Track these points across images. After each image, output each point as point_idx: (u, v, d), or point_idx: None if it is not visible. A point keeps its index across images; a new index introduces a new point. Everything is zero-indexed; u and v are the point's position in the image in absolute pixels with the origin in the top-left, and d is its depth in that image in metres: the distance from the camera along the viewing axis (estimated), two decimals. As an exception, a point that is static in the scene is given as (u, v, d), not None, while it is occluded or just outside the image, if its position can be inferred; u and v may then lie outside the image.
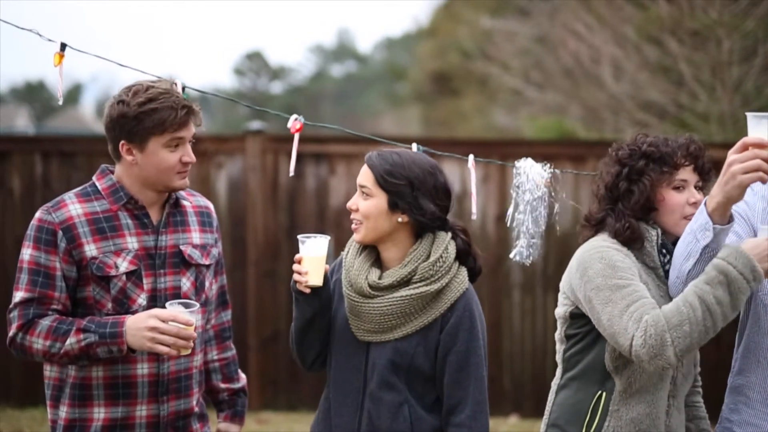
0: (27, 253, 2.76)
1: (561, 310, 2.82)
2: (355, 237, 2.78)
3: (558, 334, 2.85)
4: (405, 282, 2.72)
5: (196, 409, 2.90)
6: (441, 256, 2.72)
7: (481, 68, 15.53)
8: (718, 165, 7.78)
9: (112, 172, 2.84)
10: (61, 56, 2.79)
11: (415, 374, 2.72)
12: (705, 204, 2.55)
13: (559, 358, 2.85)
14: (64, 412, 2.81)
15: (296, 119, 2.90)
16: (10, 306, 2.79)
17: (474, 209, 3.20)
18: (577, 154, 7.29)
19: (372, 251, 2.80)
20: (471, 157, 3.09)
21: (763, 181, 2.47)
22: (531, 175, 3.04)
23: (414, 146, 3.05)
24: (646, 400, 2.71)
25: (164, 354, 2.68)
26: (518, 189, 3.07)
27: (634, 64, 11.01)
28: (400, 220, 2.73)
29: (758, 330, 2.75)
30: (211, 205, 3.02)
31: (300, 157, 7.19)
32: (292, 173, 2.95)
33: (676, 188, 2.74)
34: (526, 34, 14.05)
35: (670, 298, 2.69)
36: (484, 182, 7.02)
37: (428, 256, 2.73)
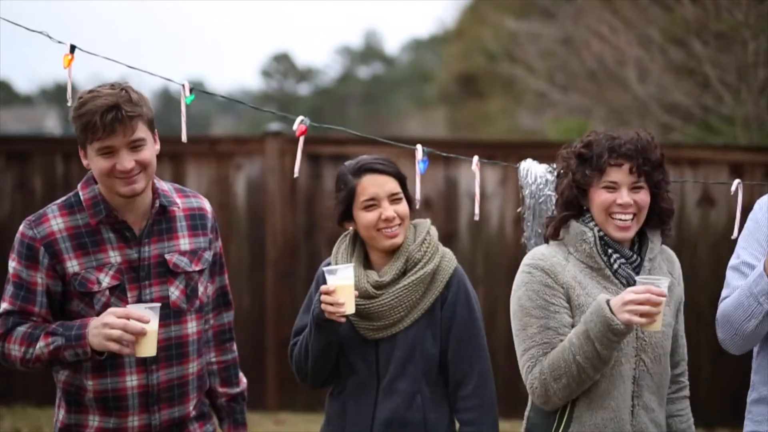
0: (11, 265, 2.76)
1: None
2: (395, 241, 2.84)
3: None
4: (403, 272, 2.83)
5: (194, 413, 2.87)
6: (425, 239, 2.87)
7: (506, 70, 15.48)
8: (741, 167, 7.68)
9: (96, 181, 2.77)
10: (71, 58, 2.79)
11: (428, 361, 2.82)
12: (765, 268, 2.65)
13: None
14: (62, 415, 2.83)
15: (301, 122, 2.90)
16: None
17: (477, 210, 3.21)
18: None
19: (360, 257, 2.89)
20: (475, 158, 3.09)
21: None
22: (534, 175, 3.05)
23: (418, 148, 3.06)
24: (609, 406, 2.72)
25: (116, 351, 2.60)
26: (523, 189, 3.07)
27: (659, 66, 10.92)
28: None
29: None
30: (205, 205, 2.93)
31: (318, 158, 7.29)
32: (296, 174, 2.97)
33: (606, 188, 2.73)
34: (551, 35, 13.99)
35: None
36: (502, 184, 7.00)
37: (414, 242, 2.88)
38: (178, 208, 2.84)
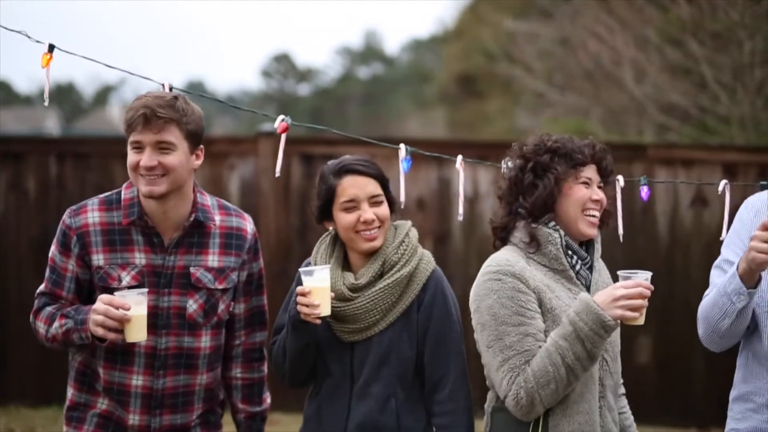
0: (51, 250, 2.88)
1: (476, 336, 2.77)
2: (374, 244, 2.81)
3: (483, 357, 2.79)
4: (380, 275, 2.79)
5: (197, 421, 2.90)
6: (403, 241, 2.83)
7: (505, 70, 15.48)
8: (735, 168, 7.67)
9: None
10: (50, 57, 2.79)
11: (403, 364, 2.78)
12: (737, 267, 2.67)
13: (489, 382, 2.79)
14: (71, 393, 2.91)
15: (282, 119, 2.89)
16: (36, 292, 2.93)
17: (460, 210, 3.20)
18: (590, 156, 7.23)
19: (338, 258, 2.87)
20: (459, 158, 3.09)
21: None
22: None
23: (401, 148, 3.05)
24: (584, 410, 2.71)
25: (102, 336, 2.68)
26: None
27: (656, 66, 10.92)
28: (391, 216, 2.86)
29: (760, 336, 2.77)
30: (246, 227, 2.96)
31: (311, 158, 7.28)
32: (278, 174, 2.95)
33: (583, 183, 2.75)
34: (549, 36, 13.99)
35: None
36: (496, 184, 6.98)
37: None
38: (215, 225, 2.89)
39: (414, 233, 2.87)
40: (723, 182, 3.24)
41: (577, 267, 2.76)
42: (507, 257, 2.71)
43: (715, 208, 6.85)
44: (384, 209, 2.83)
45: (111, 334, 2.66)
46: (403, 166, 3.07)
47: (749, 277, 2.66)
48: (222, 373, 2.97)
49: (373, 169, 2.84)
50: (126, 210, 2.84)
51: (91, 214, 2.83)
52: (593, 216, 2.75)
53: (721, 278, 2.78)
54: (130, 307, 2.64)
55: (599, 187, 2.79)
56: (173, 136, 2.77)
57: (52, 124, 34.01)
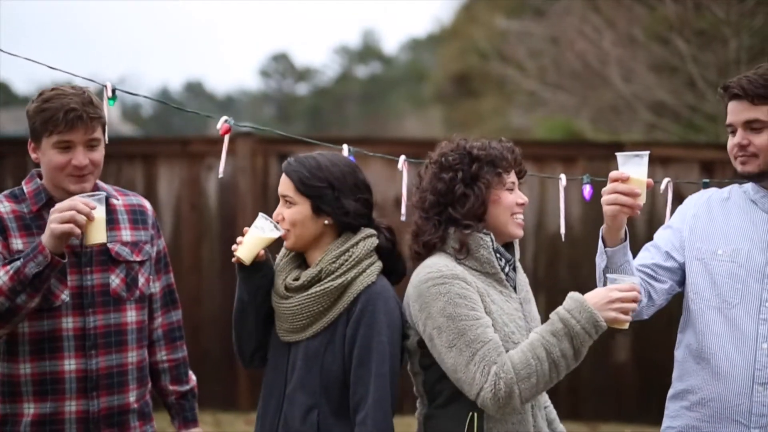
0: None
1: (407, 342, 2.76)
2: (286, 244, 2.80)
3: (411, 367, 2.79)
4: (317, 280, 2.73)
5: (135, 406, 2.94)
6: (347, 251, 2.73)
7: (498, 69, 15.48)
8: (712, 165, 7.66)
9: (41, 176, 2.92)
10: (-15, 60, 2.80)
11: (328, 376, 2.71)
12: (602, 236, 2.72)
13: (418, 390, 2.79)
14: None
15: (225, 121, 2.90)
16: None
17: (403, 210, 3.17)
18: (567, 155, 7.24)
19: (299, 253, 2.83)
20: (402, 158, 3.08)
21: (624, 213, 2.65)
22: None
23: (345, 148, 3.05)
24: (516, 410, 2.68)
25: (67, 232, 2.66)
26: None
27: (643, 64, 10.91)
28: (326, 222, 2.75)
29: (695, 332, 2.80)
30: (146, 204, 3.07)
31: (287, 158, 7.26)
32: (221, 175, 2.95)
33: (509, 189, 2.77)
34: (540, 34, 13.98)
35: (518, 300, 2.75)
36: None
37: None
38: (119, 202, 2.98)
39: (365, 244, 2.75)
40: (666, 180, 3.30)
41: (506, 269, 2.77)
42: (444, 263, 2.69)
43: (693, 206, 6.84)
44: (292, 211, 2.76)
45: (77, 230, 2.65)
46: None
47: (610, 236, 2.71)
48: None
49: (293, 167, 2.78)
50: (33, 199, 2.87)
51: (2, 205, 2.86)
52: (520, 218, 2.80)
53: (643, 256, 2.88)
54: (96, 206, 2.69)
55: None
56: (98, 132, 2.84)
57: (50, 125, 33.97)
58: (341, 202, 2.73)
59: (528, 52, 14.12)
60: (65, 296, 2.83)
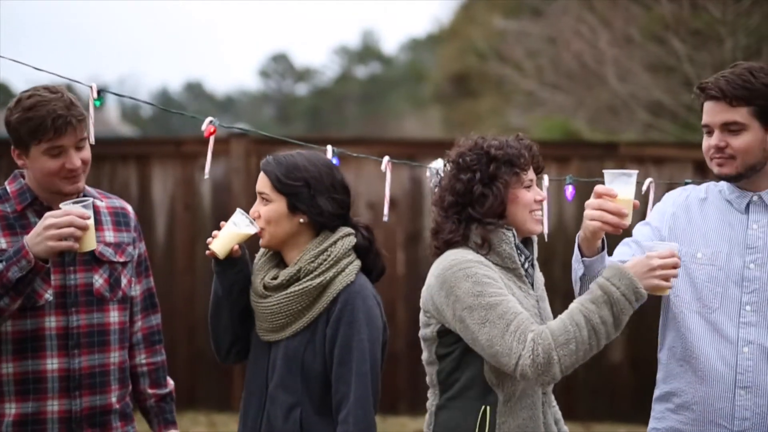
0: None
1: (426, 331, 2.77)
2: (261, 242, 2.81)
3: (427, 357, 2.80)
4: (295, 279, 2.74)
5: (117, 406, 2.94)
6: (326, 250, 2.75)
7: (496, 69, 15.48)
8: (705, 165, 7.75)
9: (24, 177, 2.92)
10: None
11: (309, 375, 2.73)
12: (578, 236, 2.67)
13: (431, 380, 2.79)
14: None
15: (210, 122, 2.90)
16: None
17: (386, 211, 3.18)
18: (561, 154, 7.25)
19: (277, 252, 2.84)
20: (386, 158, 3.08)
21: (606, 231, 2.58)
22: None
23: (328, 149, 3.05)
24: (528, 405, 2.71)
25: (66, 249, 2.68)
26: (434, 189, 3.06)
27: (639, 64, 10.91)
28: (301, 221, 2.76)
29: (677, 335, 2.79)
30: (128, 207, 3.09)
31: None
32: (207, 176, 2.96)
33: (526, 187, 2.78)
34: (538, 34, 13.98)
35: (535, 297, 2.75)
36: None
37: None
38: (102, 203, 3.00)
39: (343, 243, 2.77)
40: (648, 180, 3.30)
41: (525, 265, 2.78)
42: (465, 254, 2.71)
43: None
44: (268, 208, 2.78)
45: (76, 245, 2.67)
46: (328, 166, 3.04)
47: (587, 246, 2.64)
48: None
49: (269, 166, 2.81)
50: (17, 199, 2.87)
51: None
52: (540, 213, 2.81)
53: (622, 251, 2.83)
54: (90, 216, 2.70)
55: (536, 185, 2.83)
56: (85, 131, 2.86)
57: (49, 126, 33.99)
58: (317, 201, 2.75)
59: (526, 52, 14.13)
60: (48, 295, 2.83)
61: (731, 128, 2.72)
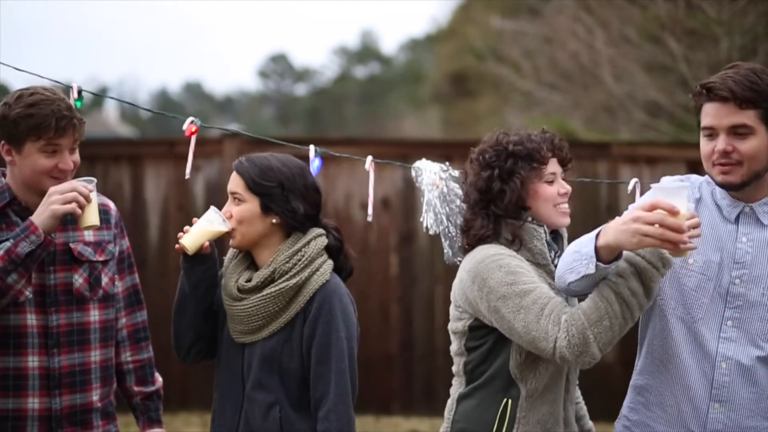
0: None
1: (458, 325, 2.80)
2: (231, 243, 2.82)
3: (456, 348, 2.82)
4: (270, 281, 2.76)
5: (98, 405, 2.95)
6: (300, 250, 2.77)
7: (494, 69, 15.49)
8: (698, 164, 7.71)
9: (5, 175, 2.93)
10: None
11: (287, 374, 2.76)
12: (597, 235, 2.49)
13: (458, 369, 2.82)
14: None
15: (192, 122, 2.90)
16: None
17: (370, 211, 3.18)
18: (554, 155, 7.23)
19: (248, 254, 2.85)
20: (369, 158, 3.08)
21: (663, 248, 2.43)
22: (427, 175, 3.04)
23: (311, 149, 3.05)
24: (549, 400, 2.73)
25: (69, 212, 2.71)
26: (421, 190, 3.07)
27: (635, 64, 10.91)
28: (274, 221, 2.78)
29: (657, 335, 2.75)
30: (110, 204, 3.09)
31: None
32: (188, 176, 2.95)
33: (548, 182, 2.77)
34: (535, 34, 13.99)
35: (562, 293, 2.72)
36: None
37: None
38: None
39: (316, 243, 2.80)
40: (633, 180, 3.28)
41: (555, 261, 2.78)
42: (496, 248, 2.72)
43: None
44: (239, 208, 2.80)
45: (79, 210, 2.73)
46: (312, 167, 3.06)
47: (607, 252, 2.49)
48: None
49: (243, 167, 2.83)
50: None
51: None
52: (564, 207, 2.80)
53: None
54: (93, 189, 2.76)
55: (562, 178, 2.81)
56: (79, 134, 2.89)
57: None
58: (290, 202, 2.77)
59: (523, 52, 14.13)
60: (29, 293, 2.85)
61: (739, 131, 2.57)
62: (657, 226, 2.38)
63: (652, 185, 2.55)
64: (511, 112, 17.01)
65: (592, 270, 2.48)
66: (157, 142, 7.65)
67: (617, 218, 2.50)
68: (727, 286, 2.64)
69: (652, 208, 2.40)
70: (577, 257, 2.54)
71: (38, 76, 3.03)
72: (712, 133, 2.59)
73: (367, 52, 41.90)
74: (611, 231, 2.46)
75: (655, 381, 2.74)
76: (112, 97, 3.30)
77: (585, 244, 2.54)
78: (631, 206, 2.63)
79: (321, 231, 2.83)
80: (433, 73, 27.87)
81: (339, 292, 2.78)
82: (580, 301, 2.69)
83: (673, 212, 2.39)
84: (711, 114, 2.58)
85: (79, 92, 2.95)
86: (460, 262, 2.86)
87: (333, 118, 36.94)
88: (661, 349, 2.72)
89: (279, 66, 43.38)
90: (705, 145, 2.61)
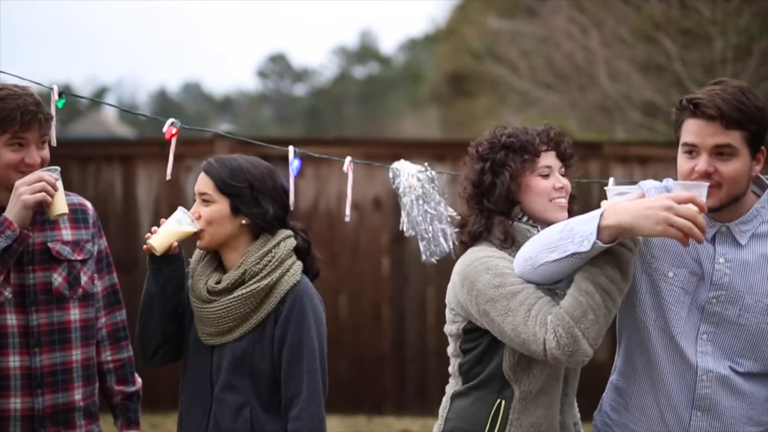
0: None
1: (452, 327, 2.78)
2: (199, 243, 2.83)
3: (452, 350, 2.81)
4: (240, 283, 2.76)
5: (81, 404, 2.96)
6: (270, 251, 2.78)
7: (491, 69, 15.49)
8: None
9: None
10: None
11: (258, 375, 2.76)
12: (602, 215, 2.41)
13: (454, 370, 2.81)
14: None
15: (172, 124, 2.91)
16: None
17: (348, 211, 3.18)
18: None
19: (215, 256, 2.86)
20: (348, 159, 3.08)
21: (680, 240, 2.36)
22: (405, 177, 3.04)
23: (290, 150, 3.06)
24: (544, 403, 2.70)
25: (41, 200, 2.75)
26: (398, 191, 3.07)
27: (630, 63, 10.91)
28: (243, 222, 2.79)
29: (638, 343, 2.70)
30: (87, 204, 3.10)
31: (268, 159, 7.26)
32: (168, 177, 2.97)
33: (542, 176, 2.71)
34: (531, 34, 13.99)
35: (553, 290, 2.66)
36: (451, 184, 6.97)
37: None
38: None
39: (285, 245, 2.81)
40: (611, 180, 3.23)
41: None
42: (486, 249, 2.70)
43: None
44: (208, 209, 2.80)
45: (49, 198, 2.76)
46: (291, 168, 3.06)
47: (613, 233, 2.40)
48: None
49: (212, 167, 2.83)
50: None
51: None
52: (561, 202, 2.73)
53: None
54: (58, 179, 2.79)
55: (561, 174, 2.75)
56: (46, 129, 2.90)
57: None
58: (260, 204, 2.79)
59: (520, 52, 14.13)
60: (8, 293, 2.85)
61: (723, 152, 2.48)
62: (689, 221, 2.32)
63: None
64: (508, 112, 17.01)
65: (585, 248, 2.39)
66: (149, 142, 7.66)
67: (625, 200, 2.42)
68: (704, 303, 2.60)
69: (687, 201, 2.35)
70: (567, 235, 2.44)
71: (20, 77, 3.03)
72: (693, 151, 2.50)
73: (366, 52, 41.88)
74: (626, 213, 2.37)
75: (636, 387, 2.71)
76: (92, 99, 3.29)
77: (580, 222, 2.45)
78: (606, 201, 2.51)
79: (289, 232, 2.84)
80: (431, 73, 27.87)
81: (309, 293, 2.79)
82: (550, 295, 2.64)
83: (702, 209, 2.36)
84: (694, 131, 2.49)
85: (60, 94, 2.96)
86: (437, 261, 2.85)
87: (332, 118, 36.92)
88: (642, 357, 2.68)
89: (278, 66, 43.38)
90: (684, 163, 2.52)
